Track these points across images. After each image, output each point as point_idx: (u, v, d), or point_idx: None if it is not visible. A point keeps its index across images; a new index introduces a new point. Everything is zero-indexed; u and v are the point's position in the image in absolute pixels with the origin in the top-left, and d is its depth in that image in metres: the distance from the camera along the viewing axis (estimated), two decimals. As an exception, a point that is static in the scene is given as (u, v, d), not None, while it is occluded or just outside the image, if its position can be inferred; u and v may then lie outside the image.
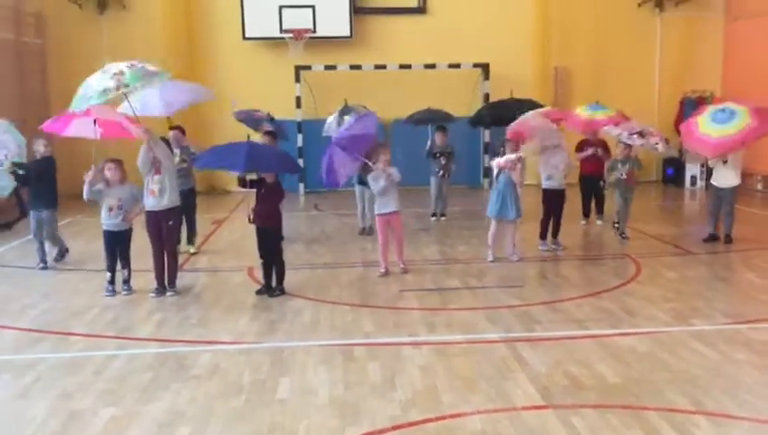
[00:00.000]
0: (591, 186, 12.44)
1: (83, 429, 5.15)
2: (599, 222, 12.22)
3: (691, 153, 15.30)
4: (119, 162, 8.59)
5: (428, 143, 13.23)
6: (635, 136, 10.89)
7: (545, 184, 10.71)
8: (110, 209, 8.53)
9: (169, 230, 8.64)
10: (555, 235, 10.81)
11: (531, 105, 12.05)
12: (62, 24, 17.11)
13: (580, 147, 12.41)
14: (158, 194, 8.41)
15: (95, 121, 8.30)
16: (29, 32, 16.43)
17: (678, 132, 17.88)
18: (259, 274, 8.97)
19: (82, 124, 8.42)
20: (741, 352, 6.39)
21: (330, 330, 7.28)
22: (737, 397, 5.45)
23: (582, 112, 11.95)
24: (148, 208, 8.49)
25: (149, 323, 7.61)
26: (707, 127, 10.15)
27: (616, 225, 11.49)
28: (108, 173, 8.48)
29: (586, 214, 12.78)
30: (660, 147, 11.00)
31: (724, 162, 10.58)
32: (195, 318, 7.73)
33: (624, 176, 11.22)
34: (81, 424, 5.21)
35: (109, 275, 8.71)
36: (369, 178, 9.36)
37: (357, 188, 12.16)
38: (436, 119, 13.69)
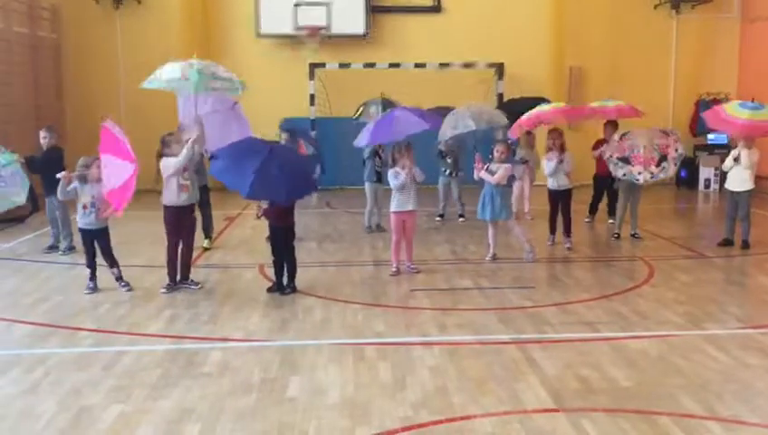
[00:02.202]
0: (602, 185, 12.46)
1: (92, 425, 5.15)
2: (610, 221, 12.14)
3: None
4: (98, 159, 8.47)
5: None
6: (619, 163, 10.91)
7: (548, 184, 11.03)
8: (84, 207, 8.49)
9: (193, 223, 8.84)
10: (566, 232, 10.89)
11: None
12: (78, 19, 17.17)
13: (595, 146, 12.38)
14: (190, 189, 8.57)
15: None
16: (44, 26, 16.48)
17: (693, 135, 18.01)
18: (270, 271, 8.96)
19: (115, 168, 7.93)
20: (754, 357, 6.33)
21: (341, 329, 7.26)
22: (750, 402, 5.40)
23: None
24: (180, 204, 8.52)
25: (160, 319, 7.61)
26: (736, 111, 10.36)
27: (635, 235, 11.38)
28: (96, 171, 8.34)
29: (592, 211, 12.84)
30: (641, 178, 10.80)
31: (735, 159, 10.47)
32: (205, 315, 7.73)
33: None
34: (90, 420, 5.21)
35: (88, 271, 8.68)
36: (390, 174, 9.31)
37: (368, 185, 12.03)
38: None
